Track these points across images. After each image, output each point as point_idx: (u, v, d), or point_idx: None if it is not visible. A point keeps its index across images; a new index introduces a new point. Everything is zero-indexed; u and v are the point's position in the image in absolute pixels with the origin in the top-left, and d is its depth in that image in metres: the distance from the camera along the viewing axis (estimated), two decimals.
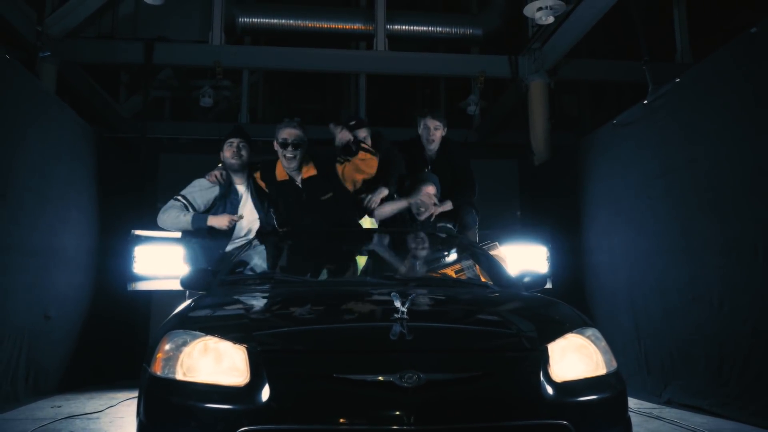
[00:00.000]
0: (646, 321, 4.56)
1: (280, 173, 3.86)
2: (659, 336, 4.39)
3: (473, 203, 4.63)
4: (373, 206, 3.87)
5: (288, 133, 3.74)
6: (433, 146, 4.52)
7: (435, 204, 4.08)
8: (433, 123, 4.45)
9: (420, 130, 4.54)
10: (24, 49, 6.58)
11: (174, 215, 3.81)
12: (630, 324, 4.75)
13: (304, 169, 3.86)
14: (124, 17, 7.89)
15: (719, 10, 8.42)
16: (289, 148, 3.74)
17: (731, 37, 3.72)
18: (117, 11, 7.83)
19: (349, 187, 3.95)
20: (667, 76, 4.44)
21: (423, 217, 4.06)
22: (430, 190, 4.06)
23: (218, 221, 3.71)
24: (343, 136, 3.81)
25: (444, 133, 4.54)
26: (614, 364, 2.06)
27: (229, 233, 3.84)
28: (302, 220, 3.88)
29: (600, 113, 9.07)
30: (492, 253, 4.17)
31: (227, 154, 3.88)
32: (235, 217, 3.74)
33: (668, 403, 4.17)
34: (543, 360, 1.92)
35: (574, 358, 2.00)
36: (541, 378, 1.87)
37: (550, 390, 1.85)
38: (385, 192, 3.94)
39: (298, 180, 3.87)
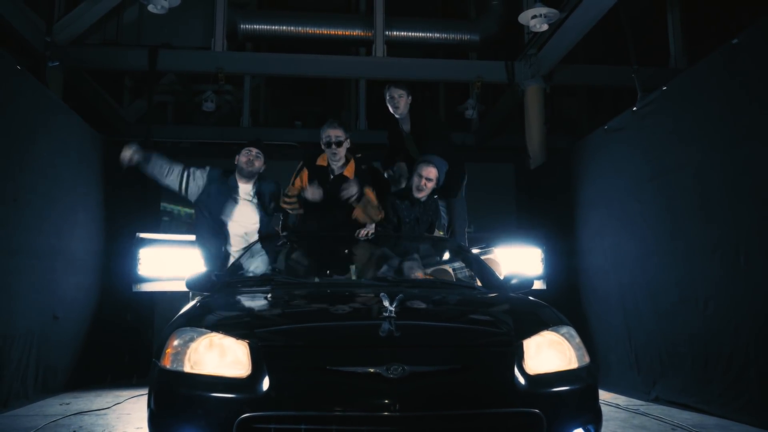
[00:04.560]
0: (637, 321, 4.69)
1: (322, 159, 4.15)
2: (649, 336, 4.53)
3: (464, 202, 4.73)
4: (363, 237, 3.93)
5: (331, 132, 4.02)
6: (400, 113, 4.64)
7: (422, 189, 4.10)
8: (396, 92, 4.59)
9: (387, 102, 4.68)
10: (31, 55, 6.73)
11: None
12: (621, 324, 4.89)
13: (346, 168, 4.10)
14: (128, 24, 8.06)
15: (717, 14, 8.54)
16: (333, 147, 4.02)
17: (728, 41, 3.82)
18: (122, 18, 7.99)
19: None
20: (662, 81, 4.57)
21: (421, 195, 4.10)
22: (425, 172, 4.08)
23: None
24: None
25: (409, 101, 4.65)
26: (586, 360, 2.23)
27: (223, 236, 4.13)
28: (322, 207, 4.04)
29: (599, 115, 9.21)
30: (487, 257, 4.30)
31: (242, 159, 4.16)
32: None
33: (656, 400, 4.31)
34: (518, 355, 2.09)
35: (549, 353, 2.17)
36: (516, 371, 2.04)
37: (523, 381, 2.02)
38: (372, 228, 4.03)
39: (336, 170, 4.10)
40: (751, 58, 3.59)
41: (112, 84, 9.87)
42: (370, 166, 4.42)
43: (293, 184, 4.13)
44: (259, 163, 4.17)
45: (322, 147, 4.07)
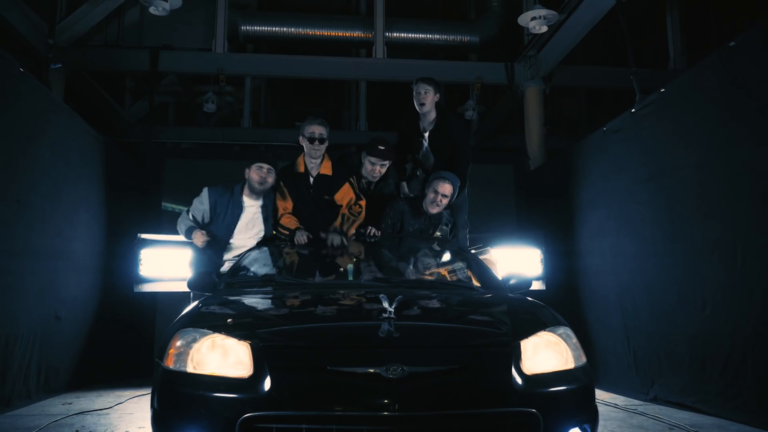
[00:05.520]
0: (635, 321, 4.72)
1: (299, 166, 4.17)
2: (647, 336, 4.56)
3: (466, 204, 4.74)
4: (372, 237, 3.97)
5: (315, 129, 4.06)
6: (426, 110, 4.52)
7: (437, 204, 4.12)
8: (423, 87, 4.48)
9: (414, 96, 4.58)
10: (33, 57, 6.77)
11: (182, 226, 4.17)
12: (619, 324, 4.92)
13: (322, 166, 4.14)
14: (129, 26, 8.09)
15: (716, 16, 8.57)
16: (316, 143, 4.06)
17: (727, 42, 3.84)
18: (123, 20, 8.02)
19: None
20: (661, 82, 4.60)
21: (435, 210, 4.14)
22: (441, 189, 4.10)
23: (195, 239, 4.02)
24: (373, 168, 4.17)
25: (437, 99, 4.54)
26: (583, 360, 2.26)
27: (223, 247, 4.09)
28: (307, 214, 4.09)
29: (600, 116, 9.25)
30: (483, 257, 4.33)
31: (254, 176, 4.03)
32: (205, 238, 4.00)
33: (654, 400, 4.34)
34: (515, 355, 2.12)
35: (546, 353, 2.21)
36: (513, 371, 2.07)
37: (520, 381, 2.06)
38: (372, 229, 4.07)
39: (314, 174, 4.13)
40: (749, 60, 3.62)
41: (113, 85, 9.91)
42: (344, 160, 4.47)
43: (277, 207, 4.13)
44: (271, 179, 4.05)
45: (304, 143, 4.09)
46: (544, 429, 1.99)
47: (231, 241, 4.09)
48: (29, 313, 4.27)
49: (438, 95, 4.54)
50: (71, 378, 4.97)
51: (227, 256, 4.10)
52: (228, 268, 3.74)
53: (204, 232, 4.00)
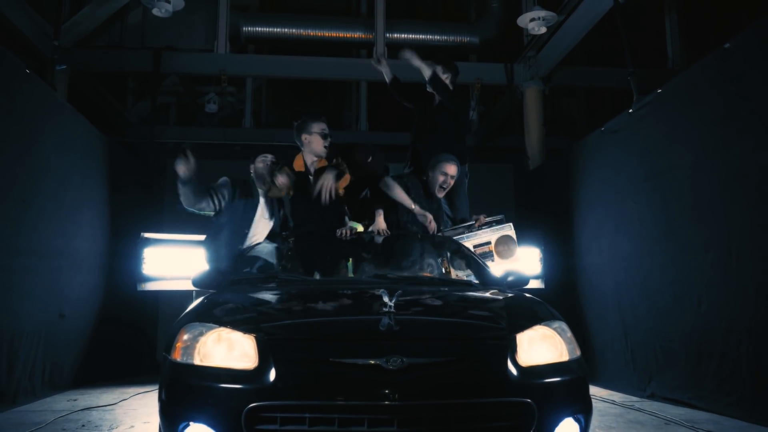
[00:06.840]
0: (633, 320, 4.78)
1: (298, 165, 4.22)
2: (644, 334, 4.61)
3: (467, 204, 4.81)
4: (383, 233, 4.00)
5: (321, 127, 4.15)
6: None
7: (444, 187, 4.24)
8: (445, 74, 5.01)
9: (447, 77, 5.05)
10: (37, 58, 6.83)
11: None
12: (617, 322, 4.98)
13: (318, 162, 4.20)
14: (132, 27, 8.16)
15: (715, 15, 8.62)
16: (328, 139, 4.14)
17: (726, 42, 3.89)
18: (126, 21, 8.09)
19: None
20: (660, 82, 4.65)
21: (443, 193, 4.25)
22: (449, 170, 4.20)
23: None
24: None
25: (446, 79, 5.04)
26: (577, 353, 2.32)
27: (242, 241, 4.11)
28: (309, 212, 4.12)
29: (600, 116, 9.29)
30: (505, 233, 4.37)
31: (260, 165, 4.20)
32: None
33: (651, 396, 4.40)
34: (511, 347, 2.19)
35: (541, 346, 2.27)
36: (509, 363, 2.13)
37: (516, 373, 2.12)
38: (381, 214, 4.12)
39: (312, 171, 4.18)
40: (744, 62, 3.68)
41: (114, 86, 9.97)
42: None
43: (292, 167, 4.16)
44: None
45: (313, 141, 4.10)
46: (539, 418, 2.05)
47: (249, 231, 4.13)
48: (34, 312, 4.32)
49: (447, 76, 5.06)
50: (75, 375, 5.03)
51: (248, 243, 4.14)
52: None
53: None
